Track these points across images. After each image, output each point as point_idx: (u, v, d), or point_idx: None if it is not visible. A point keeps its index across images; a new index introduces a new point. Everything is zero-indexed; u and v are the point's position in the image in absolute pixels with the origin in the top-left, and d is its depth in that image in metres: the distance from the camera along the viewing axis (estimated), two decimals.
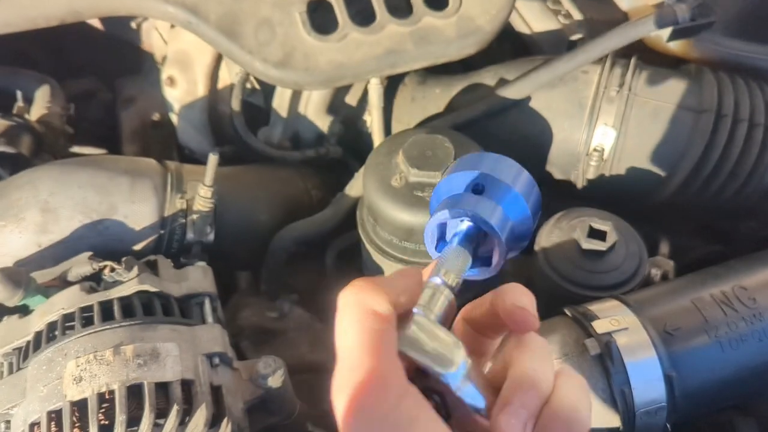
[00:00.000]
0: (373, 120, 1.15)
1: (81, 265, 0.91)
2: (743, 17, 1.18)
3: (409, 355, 0.42)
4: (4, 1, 0.99)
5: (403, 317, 0.43)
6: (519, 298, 0.45)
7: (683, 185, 1.08)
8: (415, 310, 0.44)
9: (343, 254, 1.19)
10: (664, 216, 1.17)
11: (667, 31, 1.12)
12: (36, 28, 1.01)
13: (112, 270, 0.89)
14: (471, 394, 0.42)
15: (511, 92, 1.11)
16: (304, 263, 1.22)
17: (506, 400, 0.41)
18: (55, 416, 0.77)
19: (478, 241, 0.51)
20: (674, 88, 1.10)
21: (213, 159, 0.97)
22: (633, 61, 1.12)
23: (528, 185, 0.53)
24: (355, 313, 0.41)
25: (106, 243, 0.96)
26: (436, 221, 0.51)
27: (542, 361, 0.43)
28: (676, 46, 1.18)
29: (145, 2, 1.03)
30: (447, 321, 0.46)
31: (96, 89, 1.46)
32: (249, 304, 1.16)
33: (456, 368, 0.41)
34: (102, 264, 0.90)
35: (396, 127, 1.20)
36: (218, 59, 1.23)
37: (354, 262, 1.17)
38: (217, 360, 0.86)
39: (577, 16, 1.35)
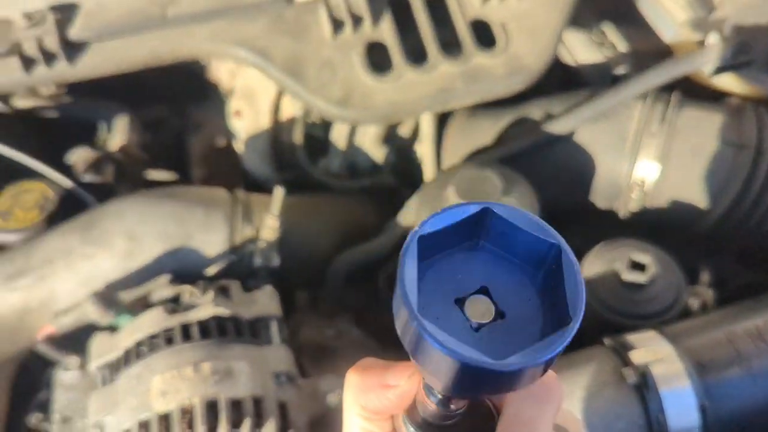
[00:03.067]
0: (424, 151, 1.23)
1: (162, 289, 1.02)
2: None
3: None
4: (94, 48, 1.10)
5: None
6: None
7: (723, 217, 1.13)
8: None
9: (394, 277, 1.26)
10: (706, 244, 1.21)
11: (709, 66, 1.17)
12: (121, 72, 1.12)
13: (191, 293, 0.99)
14: None
15: (556, 127, 1.18)
16: (360, 282, 1.31)
17: None
18: (144, 426, 0.87)
19: None
20: (714, 124, 1.14)
21: (279, 192, 1.06)
22: (674, 96, 1.17)
23: None
24: (352, 411, 0.45)
25: (183, 268, 1.06)
26: None
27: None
28: (719, 81, 1.23)
29: (220, 47, 1.13)
30: None
31: (166, 116, 1.57)
32: (308, 322, 1.25)
33: None
34: (181, 287, 1.00)
35: (445, 158, 1.27)
36: (281, 93, 1.32)
37: None
38: (283, 378, 0.95)
39: (620, 47, 1.40)
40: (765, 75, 1.19)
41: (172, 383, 0.89)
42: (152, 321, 0.96)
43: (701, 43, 1.19)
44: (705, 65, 1.16)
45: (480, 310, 0.36)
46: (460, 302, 0.36)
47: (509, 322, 0.35)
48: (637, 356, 0.88)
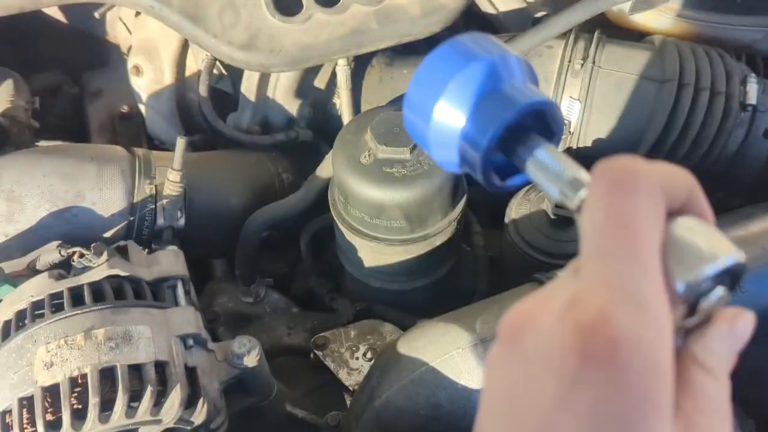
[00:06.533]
0: (341, 102, 1.15)
1: (49, 253, 0.90)
2: None
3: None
4: None
5: None
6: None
7: (648, 155, 1.10)
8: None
9: (318, 237, 1.19)
10: None
11: (628, 4, 1.14)
12: None
13: (81, 256, 0.88)
14: None
15: None
16: (280, 249, 1.22)
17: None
18: (27, 403, 0.76)
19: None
20: (637, 60, 1.11)
21: (181, 142, 0.96)
22: (596, 34, 1.14)
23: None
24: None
25: (74, 231, 0.95)
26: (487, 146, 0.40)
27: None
28: (638, 20, 1.20)
29: None
30: None
31: (61, 83, 1.44)
32: (224, 290, 1.16)
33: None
34: (71, 250, 0.89)
35: (365, 109, 1.20)
36: (184, 46, 1.22)
37: (329, 245, 1.17)
38: (191, 341, 0.86)
39: None
40: (685, 10, 1.17)
41: (59, 354, 0.78)
42: (36, 288, 0.85)
43: None
44: (624, 1, 1.13)
45: None
46: None
47: None
48: None
